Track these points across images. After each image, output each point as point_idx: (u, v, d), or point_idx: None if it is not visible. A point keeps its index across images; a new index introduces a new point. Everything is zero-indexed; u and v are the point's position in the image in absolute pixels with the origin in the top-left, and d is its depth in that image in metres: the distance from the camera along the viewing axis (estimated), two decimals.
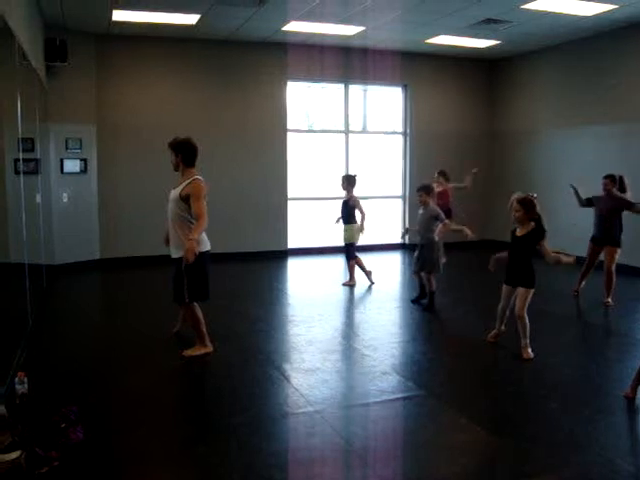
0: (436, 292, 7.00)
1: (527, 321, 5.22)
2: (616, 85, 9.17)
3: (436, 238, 6.94)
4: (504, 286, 5.44)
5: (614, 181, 7.09)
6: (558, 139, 10.43)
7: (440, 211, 7.08)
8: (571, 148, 10.12)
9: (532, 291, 5.21)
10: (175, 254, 5.10)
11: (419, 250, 7.04)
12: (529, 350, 5.21)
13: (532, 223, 5.14)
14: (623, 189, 7.08)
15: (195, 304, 5.22)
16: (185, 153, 5.07)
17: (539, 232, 5.13)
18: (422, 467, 3.49)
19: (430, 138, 11.50)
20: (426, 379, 4.88)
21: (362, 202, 8.24)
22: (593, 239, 7.33)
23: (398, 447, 3.75)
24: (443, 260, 9.65)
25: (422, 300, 7.17)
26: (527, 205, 5.11)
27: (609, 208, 7.07)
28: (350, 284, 8.34)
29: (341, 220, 8.36)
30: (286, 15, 8.52)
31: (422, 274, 7.06)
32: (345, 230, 8.33)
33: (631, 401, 4.25)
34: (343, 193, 8.33)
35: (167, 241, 5.30)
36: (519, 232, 5.24)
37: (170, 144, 5.14)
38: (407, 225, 7.45)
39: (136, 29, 9.18)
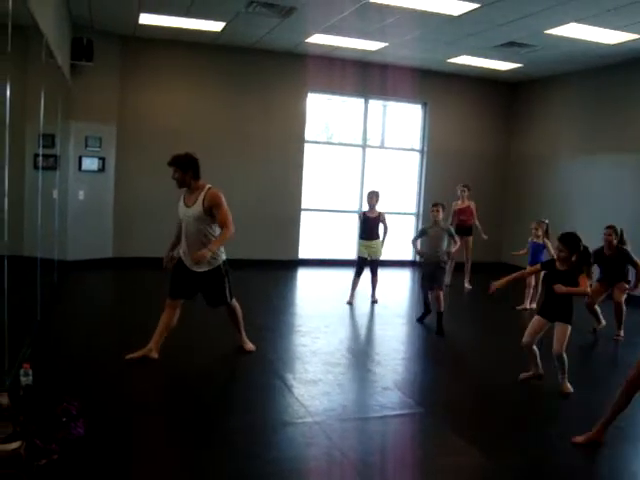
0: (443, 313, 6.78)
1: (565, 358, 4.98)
2: None
3: (447, 256, 6.92)
4: (536, 317, 5.09)
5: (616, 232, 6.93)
6: (575, 166, 10.40)
7: (452, 228, 7.10)
8: (588, 175, 10.07)
9: (570, 327, 4.94)
10: (198, 268, 5.02)
11: (430, 267, 6.89)
12: (568, 384, 5.00)
13: (573, 258, 4.88)
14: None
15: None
16: (195, 168, 4.94)
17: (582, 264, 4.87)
18: None
19: (446, 157, 11.50)
20: (427, 397, 4.88)
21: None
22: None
23: (394, 463, 3.74)
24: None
25: (427, 316, 7.09)
26: (572, 244, 4.86)
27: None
28: (374, 300, 8.14)
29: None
30: (310, 27, 8.61)
31: (429, 292, 6.99)
32: (372, 245, 8.07)
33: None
34: (366, 207, 8.14)
35: (171, 248, 5.30)
36: (560, 267, 4.93)
37: (175, 162, 4.87)
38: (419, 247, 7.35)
39: (161, 33, 9.31)
